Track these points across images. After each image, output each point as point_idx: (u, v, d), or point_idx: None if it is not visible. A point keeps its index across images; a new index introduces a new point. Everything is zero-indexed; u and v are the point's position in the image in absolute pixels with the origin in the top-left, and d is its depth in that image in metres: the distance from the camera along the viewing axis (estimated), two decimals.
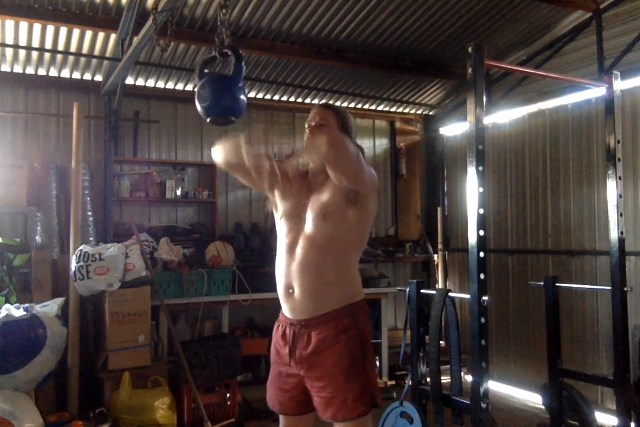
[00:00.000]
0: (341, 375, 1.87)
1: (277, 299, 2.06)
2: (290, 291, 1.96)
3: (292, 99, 5.42)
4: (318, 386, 1.91)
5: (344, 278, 1.97)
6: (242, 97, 2.46)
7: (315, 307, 1.93)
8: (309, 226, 1.97)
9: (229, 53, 2.47)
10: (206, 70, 2.53)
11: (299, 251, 1.96)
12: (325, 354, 1.90)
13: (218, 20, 2.58)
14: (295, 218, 2.01)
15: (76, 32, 4.02)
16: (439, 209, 5.90)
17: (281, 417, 2.09)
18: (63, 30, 3.98)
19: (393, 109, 5.94)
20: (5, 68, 4.39)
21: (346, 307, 1.94)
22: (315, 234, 1.95)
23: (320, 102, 5.37)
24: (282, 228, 2.06)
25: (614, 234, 3.07)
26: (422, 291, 3.03)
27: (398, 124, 6.01)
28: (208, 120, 2.45)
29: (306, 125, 2.11)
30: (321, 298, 1.93)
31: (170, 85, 4.91)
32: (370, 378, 1.92)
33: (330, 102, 5.56)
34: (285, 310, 2.02)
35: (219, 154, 2.03)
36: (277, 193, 2.09)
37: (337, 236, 1.95)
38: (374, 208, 2.04)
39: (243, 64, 2.47)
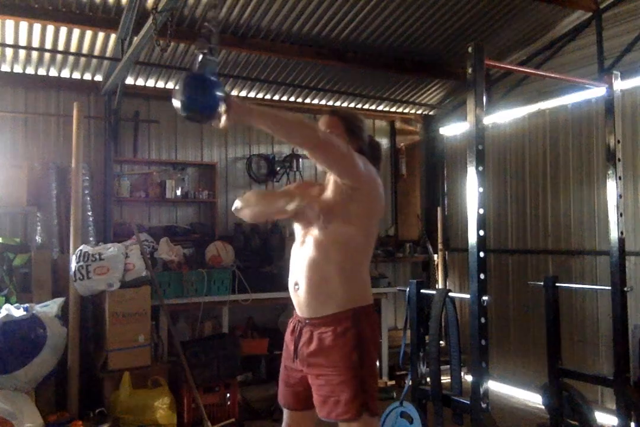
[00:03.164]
0: (336, 377, 1.90)
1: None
2: (296, 286, 2.02)
3: (292, 99, 5.42)
4: (316, 384, 1.95)
5: (348, 280, 1.96)
6: (215, 91, 2.19)
7: (317, 307, 1.96)
8: (314, 226, 2.01)
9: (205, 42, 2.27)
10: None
11: (304, 249, 2.01)
12: (323, 356, 1.92)
13: (206, 18, 2.52)
14: (305, 219, 2.05)
15: (76, 32, 4.02)
16: (439, 209, 5.89)
17: (285, 412, 2.13)
18: (63, 30, 3.98)
19: (393, 109, 5.94)
20: (5, 68, 4.39)
21: (349, 311, 1.93)
22: (318, 234, 1.98)
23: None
24: (296, 228, 2.12)
25: (614, 234, 3.08)
26: (422, 291, 3.04)
27: (398, 124, 6.01)
28: (184, 116, 2.31)
29: None
30: (323, 297, 1.95)
31: (170, 85, 4.90)
32: (365, 386, 1.90)
33: (330, 102, 5.57)
34: (295, 306, 2.07)
35: (254, 212, 2.11)
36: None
37: (339, 235, 1.96)
38: (377, 207, 2.03)
39: (210, 55, 2.20)
